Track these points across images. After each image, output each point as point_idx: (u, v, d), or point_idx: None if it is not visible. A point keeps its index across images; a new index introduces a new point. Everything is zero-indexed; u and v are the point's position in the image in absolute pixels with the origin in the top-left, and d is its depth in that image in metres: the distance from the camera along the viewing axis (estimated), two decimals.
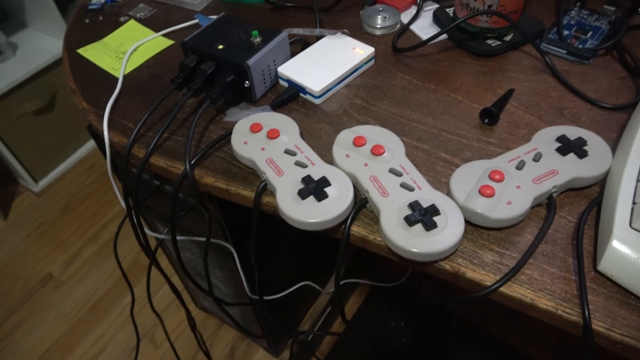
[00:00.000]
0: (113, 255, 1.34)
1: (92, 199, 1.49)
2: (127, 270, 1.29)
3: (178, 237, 0.56)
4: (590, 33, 0.51)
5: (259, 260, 0.49)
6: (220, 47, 0.47)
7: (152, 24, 0.61)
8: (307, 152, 0.40)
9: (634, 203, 0.33)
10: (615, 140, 0.41)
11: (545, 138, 0.39)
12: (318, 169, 0.38)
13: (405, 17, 0.56)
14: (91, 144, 1.62)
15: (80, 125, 1.54)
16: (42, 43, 1.39)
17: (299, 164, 0.39)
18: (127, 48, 0.56)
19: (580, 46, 0.50)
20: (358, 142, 0.40)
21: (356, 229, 0.37)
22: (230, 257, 0.67)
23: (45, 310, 1.24)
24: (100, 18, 0.63)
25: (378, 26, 0.54)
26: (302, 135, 0.43)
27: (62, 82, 1.42)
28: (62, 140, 1.53)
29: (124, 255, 1.33)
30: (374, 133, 0.41)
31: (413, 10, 0.57)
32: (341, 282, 0.94)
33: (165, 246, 0.94)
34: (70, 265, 1.32)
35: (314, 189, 0.37)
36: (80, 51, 0.57)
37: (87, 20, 0.63)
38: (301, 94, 0.48)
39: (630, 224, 0.32)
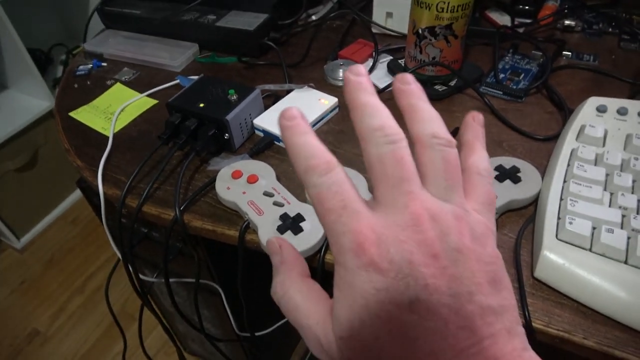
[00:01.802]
0: (99, 306, 1.35)
1: (76, 252, 1.51)
2: None
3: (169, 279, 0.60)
4: (522, 75, 0.59)
5: (246, 297, 0.53)
6: (202, 105, 0.53)
7: (137, 85, 0.67)
8: (283, 193, 0.46)
9: (558, 218, 0.39)
10: (546, 166, 0.48)
11: None
12: (293, 207, 0.44)
13: None
14: (73, 197, 1.65)
15: (61, 180, 1.58)
16: (23, 103, 1.44)
17: (276, 203, 0.45)
18: (115, 109, 0.62)
19: (514, 87, 0.57)
20: None
21: (330, 257, 0.42)
22: (217, 297, 0.71)
23: None
24: (88, 82, 0.69)
25: (340, 78, 0.62)
26: (278, 178, 0.49)
27: (44, 140, 1.46)
28: (45, 196, 1.56)
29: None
30: None
31: (370, 62, 0.65)
32: None
33: (153, 292, 0.97)
34: (56, 320, 1.33)
35: (291, 224, 0.42)
36: (72, 114, 0.63)
37: (76, 85, 0.69)
38: (275, 142, 0.54)
39: (556, 236, 0.38)
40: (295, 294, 0.25)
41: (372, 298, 0.20)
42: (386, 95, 0.60)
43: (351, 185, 0.22)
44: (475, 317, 0.21)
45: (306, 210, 0.43)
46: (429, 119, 0.24)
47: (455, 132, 0.53)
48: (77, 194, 1.65)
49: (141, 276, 0.62)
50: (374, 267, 0.20)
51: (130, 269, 0.55)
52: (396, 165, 0.22)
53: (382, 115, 0.23)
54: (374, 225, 0.21)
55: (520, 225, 0.43)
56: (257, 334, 0.81)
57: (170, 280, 0.78)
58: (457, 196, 0.23)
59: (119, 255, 0.57)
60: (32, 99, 1.45)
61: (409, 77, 0.25)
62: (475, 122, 0.27)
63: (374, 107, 0.23)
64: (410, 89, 0.25)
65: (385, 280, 0.20)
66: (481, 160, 0.26)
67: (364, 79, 0.23)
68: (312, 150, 0.22)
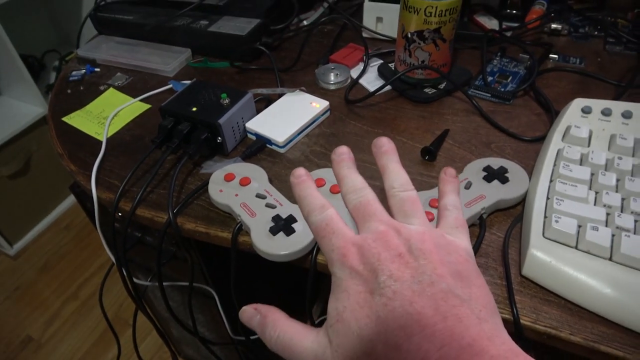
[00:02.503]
0: (93, 312, 1.34)
1: (69, 258, 1.50)
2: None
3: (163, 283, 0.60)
4: (510, 78, 0.60)
5: (239, 300, 0.54)
6: (194, 109, 0.53)
7: (130, 90, 0.67)
8: (275, 195, 0.46)
9: (545, 217, 0.40)
10: (533, 166, 0.49)
11: (474, 169, 0.47)
12: (285, 209, 0.45)
13: (354, 73, 0.65)
14: (66, 203, 1.65)
15: (54, 186, 1.57)
16: (16, 109, 1.44)
17: (269, 205, 0.45)
18: (109, 114, 0.62)
19: (502, 89, 0.58)
20: (318, 184, 0.46)
21: (322, 258, 0.43)
22: (211, 300, 0.71)
23: None
24: (81, 88, 0.69)
25: (331, 82, 0.62)
26: (270, 180, 0.49)
27: (37, 146, 1.46)
28: (37, 202, 1.55)
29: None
30: (332, 175, 0.48)
31: (361, 66, 0.66)
32: (319, 319, 0.98)
33: (147, 297, 0.97)
34: (50, 326, 1.32)
35: (283, 225, 0.43)
36: (65, 119, 0.63)
37: (69, 91, 0.69)
38: (268, 145, 0.55)
39: (543, 234, 0.39)
40: (286, 329, 0.30)
41: (352, 290, 0.26)
42: (376, 98, 0.61)
43: (339, 219, 0.30)
44: (437, 298, 0.24)
45: (298, 212, 0.44)
46: (390, 174, 0.32)
47: (445, 134, 0.53)
48: (70, 199, 1.65)
49: (135, 280, 0.62)
50: (355, 270, 0.27)
51: (124, 272, 0.55)
52: (365, 206, 0.30)
53: (354, 180, 0.31)
54: (353, 242, 0.28)
55: (508, 224, 0.44)
56: (251, 337, 0.81)
57: (164, 284, 0.78)
58: (418, 220, 0.30)
59: (113, 259, 0.57)
60: (25, 105, 1.45)
61: (382, 141, 0.34)
62: (446, 176, 0.35)
63: (348, 176, 0.32)
64: (383, 150, 0.33)
65: (362, 276, 0.26)
66: (449, 200, 0.33)
67: (344, 156, 0.33)
68: (311, 199, 0.31)
